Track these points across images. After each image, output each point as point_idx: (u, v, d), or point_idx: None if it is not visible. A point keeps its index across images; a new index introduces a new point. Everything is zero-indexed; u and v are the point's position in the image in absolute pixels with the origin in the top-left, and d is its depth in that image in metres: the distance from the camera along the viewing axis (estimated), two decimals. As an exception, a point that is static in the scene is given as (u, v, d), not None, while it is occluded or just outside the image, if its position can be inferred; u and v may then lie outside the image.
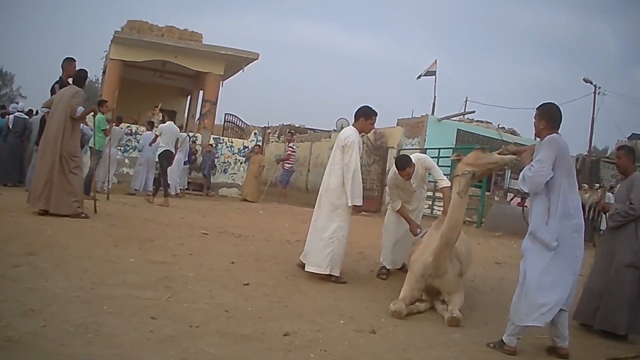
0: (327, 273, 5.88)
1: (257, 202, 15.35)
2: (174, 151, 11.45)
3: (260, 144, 18.10)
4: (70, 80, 7.97)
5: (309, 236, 6.17)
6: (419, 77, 23.77)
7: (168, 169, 12.16)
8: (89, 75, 8.34)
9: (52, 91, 8.15)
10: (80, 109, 7.48)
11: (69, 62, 8.16)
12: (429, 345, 4.28)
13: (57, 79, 8.26)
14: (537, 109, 4.53)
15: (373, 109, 6.21)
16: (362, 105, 6.28)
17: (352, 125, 6.20)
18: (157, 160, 11.65)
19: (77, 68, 8.05)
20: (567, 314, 4.39)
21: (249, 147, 18.03)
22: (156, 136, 11.77)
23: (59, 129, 7.37)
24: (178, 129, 12.05)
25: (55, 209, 7.23)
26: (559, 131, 4.42)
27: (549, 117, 4.44)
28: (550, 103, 4.56)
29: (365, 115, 6.12)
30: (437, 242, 5.13)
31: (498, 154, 5.05)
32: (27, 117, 11.90)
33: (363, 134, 6.32)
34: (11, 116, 11.78)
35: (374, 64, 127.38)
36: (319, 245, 5.93)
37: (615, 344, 4.86)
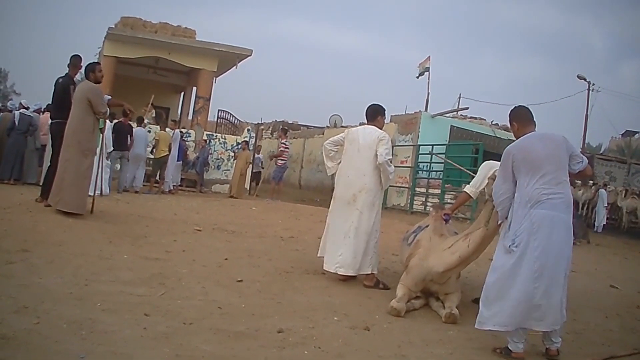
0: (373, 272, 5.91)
1: (241, 198, 15.31)
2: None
3: (247, 140, 18.03)
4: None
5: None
6: (418, 76, 23.72)
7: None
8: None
9: (57, 87, 8.05)
10: (107, 110, 7.54)
11: (76, 59, 8.09)
12: (424, 342, 4.28)
13: (63, 75, 8.15)
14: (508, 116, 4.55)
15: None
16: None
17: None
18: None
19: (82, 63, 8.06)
20: None
21: (241, 145, 17.93)
22: None
23: (77, 126, 7.34)
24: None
25: (68, 207, 7.19)
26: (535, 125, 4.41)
27: (517, 117, 4.45)
28: (516, 106, 4.57)
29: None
30: (451, 257, 4.88)
31: None
32: (31, 115, 11.86)
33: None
34: (17, 112, 11.76)
35: (367, 60, 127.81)
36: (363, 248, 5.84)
37: (609, 342, 4.87)
